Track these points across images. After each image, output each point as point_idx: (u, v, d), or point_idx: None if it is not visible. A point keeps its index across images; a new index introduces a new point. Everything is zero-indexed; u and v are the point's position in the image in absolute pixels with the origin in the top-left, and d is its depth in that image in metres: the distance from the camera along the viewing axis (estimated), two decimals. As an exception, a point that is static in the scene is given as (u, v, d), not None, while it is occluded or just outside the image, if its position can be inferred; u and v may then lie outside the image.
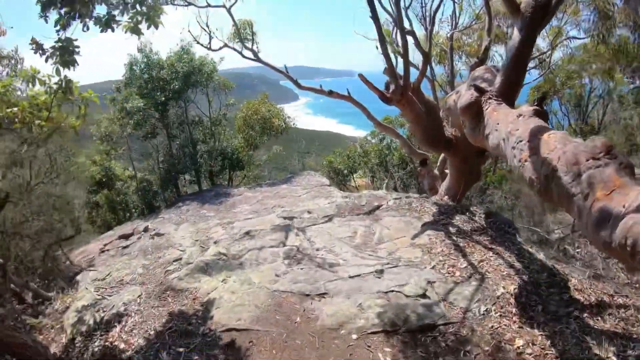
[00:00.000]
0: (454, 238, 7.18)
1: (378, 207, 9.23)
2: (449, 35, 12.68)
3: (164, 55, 16.47)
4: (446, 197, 8.97)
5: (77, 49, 4.45)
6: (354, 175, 20.42)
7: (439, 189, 9.59)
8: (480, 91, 5.43)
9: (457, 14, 14.15)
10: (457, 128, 7.88)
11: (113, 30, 4.57)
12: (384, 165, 18.71)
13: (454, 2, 13.77)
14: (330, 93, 8.34)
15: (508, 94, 5.61)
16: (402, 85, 7.22)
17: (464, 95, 5.87)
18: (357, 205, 9.53)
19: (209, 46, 9.33)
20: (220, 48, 9.09)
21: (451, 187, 8.96)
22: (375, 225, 8.26)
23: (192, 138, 16.56)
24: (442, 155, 10.49)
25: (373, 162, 18.86)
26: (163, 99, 15.79)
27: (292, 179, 14.36)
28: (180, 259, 7.76)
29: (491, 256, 6.52)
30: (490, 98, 5.27)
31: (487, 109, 5.15)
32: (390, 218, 8.58)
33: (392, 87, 7.34)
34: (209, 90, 17.20)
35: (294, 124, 16.67)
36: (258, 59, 8.60)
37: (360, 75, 7.24)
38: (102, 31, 4.52)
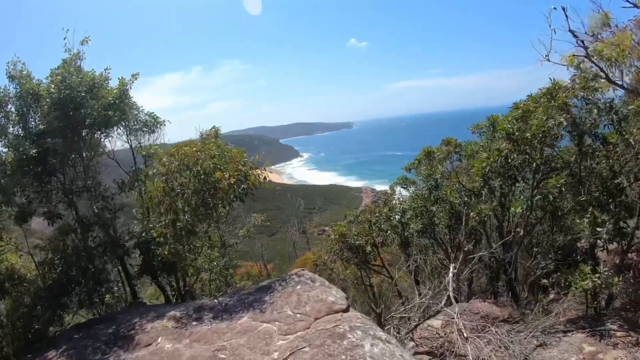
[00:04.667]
0: None
1: None
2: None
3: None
4: None
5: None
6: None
7: None
8: None
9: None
10: None
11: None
12: (431, 232, 11.15)
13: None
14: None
15: None
16: None
17: None
18: None
19: None
20: None
21: None
22: None
23: (90, 218, 9.10)
24: None
25: (413, 228, 11.27)
26: (34, 152, 8.70)
27: (266, 296, 6.60)
28: None
29: None
30: None
31: None
32: None
33: None
34: (127, 131, 10.06)
35: (265, 178, 8.55)
36: None
37: None
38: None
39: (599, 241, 9.08)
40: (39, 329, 9.14)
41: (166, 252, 8.18)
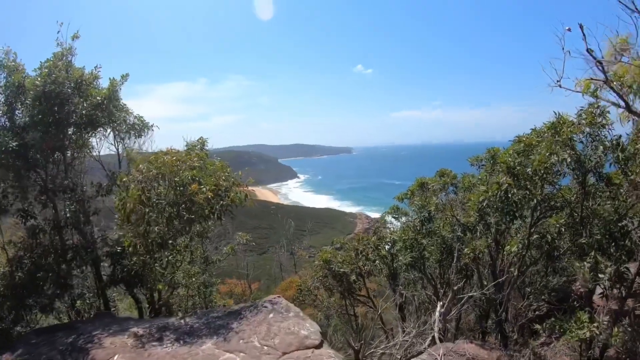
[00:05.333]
0: None
1: None
2: None
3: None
4: None
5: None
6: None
7: None
8: None
9: None
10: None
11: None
12: (421, 265, 10.64)
13: None
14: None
15: None
16: None
17: None
18: None
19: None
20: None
21: None
22: None
23: (63, 220, 8.64)
24: None
25: (402, 261, 10.77)
26: (15, 144, 8.28)
27: (234, 323, 6.13)
28: None
29: None
30: None
31: None
32: None
33: None
34: (115, 134, 9.70)
35: (247, 195, 7.96)
36: None
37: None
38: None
39: (598, 287, 8.54)
40: (4, 328, 8.64)
41: (132, 263, 7.65)
